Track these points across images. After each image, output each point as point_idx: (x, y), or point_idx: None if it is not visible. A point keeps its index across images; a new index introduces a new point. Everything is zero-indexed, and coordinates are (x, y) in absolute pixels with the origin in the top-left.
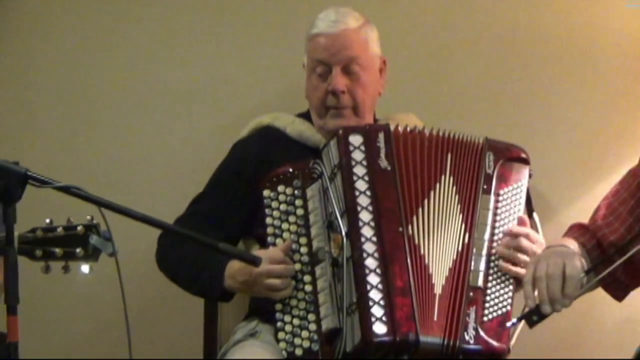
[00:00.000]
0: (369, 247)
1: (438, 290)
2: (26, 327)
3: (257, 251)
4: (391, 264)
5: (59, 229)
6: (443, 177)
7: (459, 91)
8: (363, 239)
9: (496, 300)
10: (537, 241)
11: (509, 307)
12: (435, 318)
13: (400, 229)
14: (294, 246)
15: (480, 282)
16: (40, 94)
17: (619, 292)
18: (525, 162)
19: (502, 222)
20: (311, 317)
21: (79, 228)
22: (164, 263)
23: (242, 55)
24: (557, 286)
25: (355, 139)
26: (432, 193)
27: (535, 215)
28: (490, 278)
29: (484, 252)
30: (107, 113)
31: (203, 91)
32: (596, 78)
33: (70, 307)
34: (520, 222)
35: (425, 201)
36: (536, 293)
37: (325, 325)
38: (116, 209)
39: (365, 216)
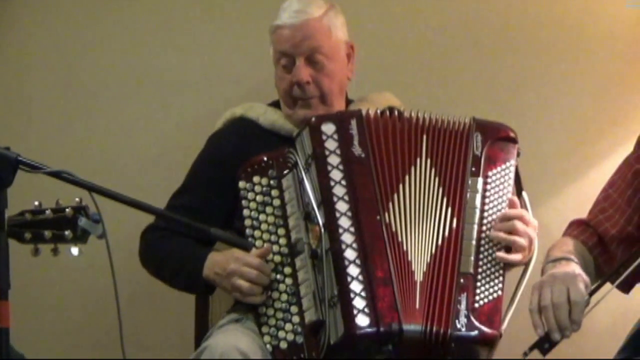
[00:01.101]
0: (348, 238)
1: (419, 277)
2: (17, 313)
3: (235, 253)
4: (371, 254)
5: (48, 212)
6: (418, 160)
7: (451, 78)
8: (341, 230)
9: (487, 286)
10: (530, 222)
11: (500, 292)
12: (417, 306)
13: (378, 217)
14: (272, 238)
15: (471, 268)
16: (32, 81)
17: (625, 287)
18: (514, 141)
19: (491, 205)
20: (294, 309)
21: (68, 210)
22: (147, 261)
23: (232, 40)
24: (564, 314)
25: (328, 128)
26: (406, 177)
27: (524, 194)
28: (480, 263)
29: (474, 236)
30: (96, 100)
31: (193, 79)
32: (589, 65)
33: (61, 293)
34: (511, 204)
35: (400, 186)
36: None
37: (308, 317)
38: (107, 194)
39: (342, 206)
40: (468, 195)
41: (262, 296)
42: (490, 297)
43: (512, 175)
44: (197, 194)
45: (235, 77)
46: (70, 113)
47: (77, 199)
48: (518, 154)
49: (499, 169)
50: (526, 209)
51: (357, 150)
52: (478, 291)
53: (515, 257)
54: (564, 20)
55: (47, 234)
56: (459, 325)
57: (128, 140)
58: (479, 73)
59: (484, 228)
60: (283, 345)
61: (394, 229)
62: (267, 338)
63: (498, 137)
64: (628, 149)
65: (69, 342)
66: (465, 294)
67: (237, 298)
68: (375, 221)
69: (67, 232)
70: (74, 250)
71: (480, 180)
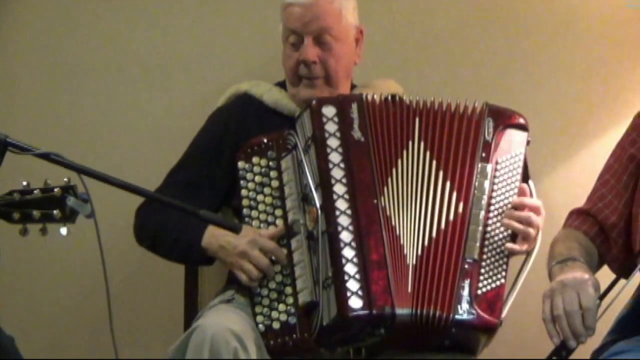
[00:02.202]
0: (344, 221)
1: (411, 261)
2: (6, 295)
3: (249, 232)
4: (366, 237)
5: (36, 192)
6: (410, 143)
7: (440, 58)
8: (338, 212)
9: (491, 273)
10: (542, 214)
11: (502, 280)
12: (409, 290)
13: (375, 201)
14: (269, 219)
15: (475, 255)
16: (21, 62)
17: (624, 272)
18: (525, 128)
19: (500, 192)
20: (288, 290)
21: (56, 190)
22: (143, 233)
23: (223, 22)
24: (578, 322)
25: (328, 110)
26: (399, 161)
27: (530, 182)
28: (485, 250)
29: (481, 222)
30: (88, 80)
31: (184, 59)
32: (578, 45)
33: (51, 274)
34: (522, 191)
35: (394, 170)
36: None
37: (302, 298)
38: (96, 175)
39: (339, 189)
40: (477, 180)
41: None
42: (494, 285)
43: (521, 163)
44: (196, 169)
45: (227, 60)
46: (59, 95)
47: (65, 179)
48: (528, 142)
49: (508, 156)
50: (532, 196)
51: (356, 133)
52: (482, 278)
53: (523, 247)
54: (553, 2)
55: (36, 213)
56: (460, 311)
57: (118, 122)
58: (468, 54)
59: (491, 215)
60: (276, 325)
61: (388, 213)
62: (259, 318)
63: (510, 123)
64: (617, 130)
65: (59, 323)
66: (468, 279)
67: (241, 279)
68: (371, 205)
69: (55, 212)
70: (63, 230)
71: (489, 166)
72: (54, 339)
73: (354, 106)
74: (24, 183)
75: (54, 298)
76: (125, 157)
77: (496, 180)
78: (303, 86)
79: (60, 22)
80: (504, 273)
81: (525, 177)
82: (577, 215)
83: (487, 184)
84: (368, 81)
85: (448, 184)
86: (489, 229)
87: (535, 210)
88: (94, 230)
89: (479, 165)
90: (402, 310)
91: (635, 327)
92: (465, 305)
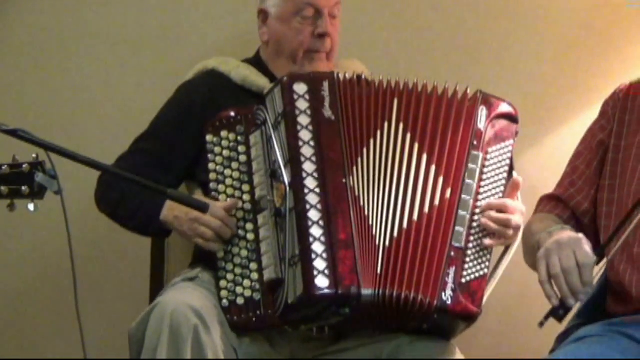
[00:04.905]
0: (312, 199)
1: (382, 242)
2: None
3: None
4: (334, 216)
5: (4, 167)
6: (386, 124)
7: (410, 41)
8: (306, 190)
9: (475, 263)
10: (523, 213)
11: (486, 271)
12: (378, 271)
13: (344, 180)
14: (236, 194)
15: (462, 242)
16: None
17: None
18: (515, 120)
19: (488, 182)
20: (253, 266)
21: (25, 166)
22: (105, 199)
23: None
24: (576, 278)
25: (300, 88)
26: (371, 141)
27: (515, 174)
28: (471, 239)
29: (469, 210)
30: (55, 57)
31: (154, 35)
32: (548, 30)
33: (15, 249)
34: (515, 185)
35: (364, 150)
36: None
37: (268, 275)
38: (63, 153)
39: (308, 167)
40: (467, 167)
41: (222, 245)
42: (477, 275)
43: (510, 155)
44: (162, 140)
45: (198, 36)
46: (26, 71)
47: (33, 155)
48: (516, 133)
49: (499, 146)
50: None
51: (327, 112)
52: (466, 267)
53: (500, 242)
54: None
55: (4, 189)
56: (444, 297)
57: (86, 98)
58: (439, 36)
59: (478, 204)
60: (240, 301)
61: (357, 193)
62: (224, 293)
63: (502, 114)
64: (586, 115)
65: (23, 297)
66: (454, 267)
67: (198, 243)
68: (340, 184)
69: (24, 188)
70: (31, 206)
71: (480, 155)
72: (19, 313)
73: (326, 84)
74: None
75: (19, 273)
76: (94, 133)
77: (485, 170)
78: (309, 60)
79: (30, 0)
80: (487, 263)
81: (510, 169)
82: (549, 201)
83: (476, 172)
84: (335, 61)
85: (433, 167)
86: (476, 217)
87: (520, 214)
88: (60, 206)
89: (471, 153)
90: (367, 291)
91: (600, 312)
92: (449, 292)
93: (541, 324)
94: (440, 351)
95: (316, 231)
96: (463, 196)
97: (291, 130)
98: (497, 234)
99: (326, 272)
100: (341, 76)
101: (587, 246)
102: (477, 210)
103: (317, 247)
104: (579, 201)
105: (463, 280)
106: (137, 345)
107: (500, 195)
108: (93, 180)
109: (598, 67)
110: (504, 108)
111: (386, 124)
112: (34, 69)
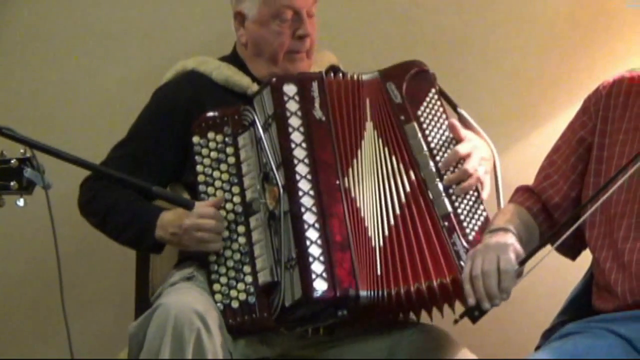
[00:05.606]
0: (307, 201)
1: (377, 242)
2: None
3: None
4: (329, 218)
5: None
6: (367, 124)
7: (393, 36)
8: (301, 193)
9: (470, 215)
10: (476, 147)
11: (485, 213)
12: (378, 272)
13: (338, 182)
14: (226, 195)
15: (448, 207)
16: None
17: (570, 253)
18: (424, 70)
19: (435, 140)
20: (246, 269)
21: (13, 161)
22: (90, 209)
23: None
24: (493, 282)
25: (289, 89)
26: (362, 142)
27: (459, 109)
28: (454, 198)
29: (436, 177)
30: (39, 53)
31: (138, 31)
32: (531, 26)
33: (1, 249)
34: (451, 128)
35: (358, 151)
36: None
37: (263, 278)
38: (48, 150)
39: (302, 169)
40: (410, 143)
41: (221, 243)
42: (479, 223)
43: (439, 102)
44: (144, 144)
45: (181, 31)
46: (10, 67)
47: (21, 151)
48: (434, 78)
49: (424, 104)
50: (467, 122)
51: (317, 113)
52: (465, 224)
53: (477, 185)
54: None
55: None
56: (463, 264)
57: (70, 95)
58: (420, 31)
59: (440, 165)
60: (234, 304)
61: (352, 195)
62: (218, 296)
63: (408, 76)
64: (570, 111)
65: (9, 293)
66: (455, 233)
67: (202, 249)
68: (334, 186)
69: (12, 183)
70: (20, 202)
71: (414, 125)
72: (4, 312)
73: (315, 85)
74: None
75: (3, 269)
76: (78, 130)
77: (427, 132)
78: (291, 61)
79: None
80: (482, 206)
81: (453, 106)
82: (523, 192)
83: (421, 141)
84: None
85: (394, 158)
86: (446, 177)
87: (468, 155)
88: (45, 204)
89: (404, 128)
90: (365, 292)
91: (585, 309)
92: (464, 256)
93: (455, 322)
94: (437, 344)
95: (312, 234)
96: (423, 170)
97: (282, 132)
98: (469, 183)
99: (324, 275)
100: (329, 77)
101: (512, 254)
102: (443, 172)
103: (314, 250)
104: (550, 195)
105: (470, 237)
106: (137, 346)
107: (453, 142)
108: (79, 178)
109: (582, 63)
110: (407, 70)
111: (367, 124)
112: (18, 66)
